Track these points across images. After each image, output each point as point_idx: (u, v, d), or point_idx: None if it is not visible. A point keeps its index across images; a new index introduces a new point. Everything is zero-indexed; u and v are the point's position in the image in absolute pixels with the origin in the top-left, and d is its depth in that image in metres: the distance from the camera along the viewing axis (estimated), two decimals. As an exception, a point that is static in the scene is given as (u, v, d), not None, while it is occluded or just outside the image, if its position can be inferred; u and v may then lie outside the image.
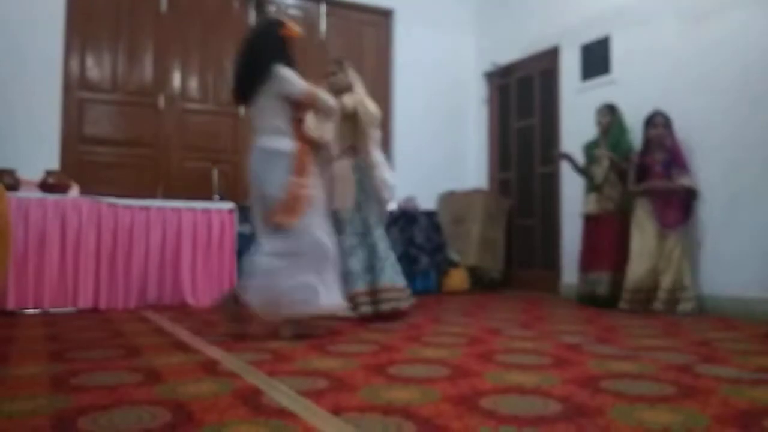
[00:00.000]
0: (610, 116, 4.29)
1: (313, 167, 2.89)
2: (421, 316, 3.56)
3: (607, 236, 4.17)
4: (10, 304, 3.55)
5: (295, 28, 2.89)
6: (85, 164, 4.56)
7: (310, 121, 3.09)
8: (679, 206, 3.88)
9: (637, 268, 3.91)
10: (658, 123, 3.95)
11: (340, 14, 5.71)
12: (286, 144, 2.74)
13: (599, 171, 4.24)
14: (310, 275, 2.70)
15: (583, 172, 4.39)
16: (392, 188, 3.54)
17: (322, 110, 2.95)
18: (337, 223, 3.28)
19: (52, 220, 3.72)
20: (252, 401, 1.64)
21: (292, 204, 2.69)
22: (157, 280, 4.04)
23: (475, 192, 5.68)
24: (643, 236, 3.93)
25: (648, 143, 4.01)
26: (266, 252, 2.71)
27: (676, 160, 3.89)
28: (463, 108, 6.14)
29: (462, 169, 6.07)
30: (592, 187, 4.28)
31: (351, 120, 3.44)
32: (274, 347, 2.50)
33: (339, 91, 3.44)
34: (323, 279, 2.74)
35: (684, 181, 3.86)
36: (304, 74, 2.81)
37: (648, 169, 3.99)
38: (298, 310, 2.70)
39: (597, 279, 4.18)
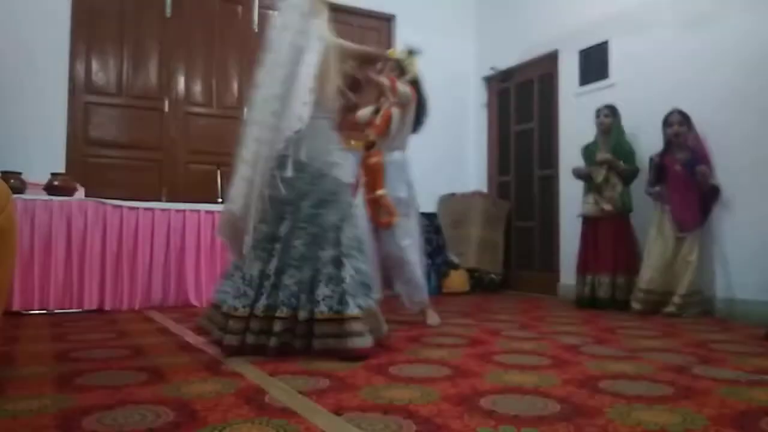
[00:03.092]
0: (611, 117, 4.29)
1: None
2: (422, 317, 3.58)
3: (606, 238, 4.17)
4: (16, 305, 3.57)
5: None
6: (90, 167, 4.58)
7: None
8: (697, 207, 3.83)
9: (650, 268, 3.89)
10: (673, 122, 3.91)
11: (341, 19, 5.72)
12: None
13: (599, 172, 4.25)
14: None
15: (588, 176, 4.36)
16: None
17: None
18: None
19: (57, 221, 3.75)
20: (255, 400, 1.67)
21: None
22: (162, 281, 4.06)
23: (475, 195, 5.70)
24: (659, 237, 3.92)
25: (668, 143, 3.97)
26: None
27: (700, 158, 3.82)
28: (463, 112, 6.16)
29: (462, 172, 6.08)
30: (591, 187, 4.29)
31: None
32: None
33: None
34: None
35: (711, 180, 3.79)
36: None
37: (667, 170, 3.95)
38: None
39: (597, 281, 4.18)
